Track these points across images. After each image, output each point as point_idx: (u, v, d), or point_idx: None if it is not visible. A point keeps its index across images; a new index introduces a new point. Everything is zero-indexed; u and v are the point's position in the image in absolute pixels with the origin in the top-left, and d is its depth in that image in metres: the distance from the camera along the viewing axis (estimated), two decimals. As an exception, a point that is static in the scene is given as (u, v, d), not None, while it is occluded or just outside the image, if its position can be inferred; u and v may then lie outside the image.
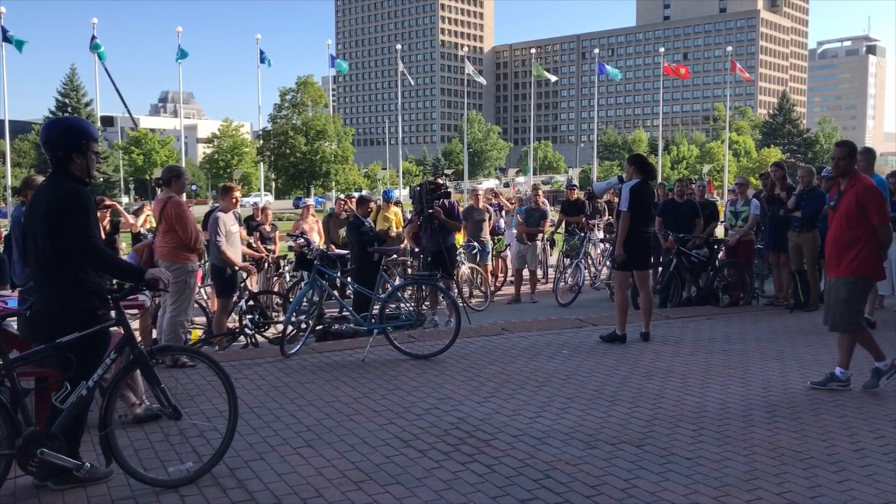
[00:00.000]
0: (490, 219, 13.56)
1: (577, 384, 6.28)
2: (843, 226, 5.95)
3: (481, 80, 62.93)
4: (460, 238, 12.92)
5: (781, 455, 4.59)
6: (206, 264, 9.46)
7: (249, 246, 11.48)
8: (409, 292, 9.95)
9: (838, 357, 6.08)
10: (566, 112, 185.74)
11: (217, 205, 9.20)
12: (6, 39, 35.56)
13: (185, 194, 7.55)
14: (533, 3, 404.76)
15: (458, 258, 11.63)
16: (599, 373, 6.66)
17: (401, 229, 12.96)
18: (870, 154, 8.83)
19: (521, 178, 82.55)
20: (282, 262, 13.08)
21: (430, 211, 9.81)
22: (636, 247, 7.99)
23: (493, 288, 13.50)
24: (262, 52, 47.08)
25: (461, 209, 11.85)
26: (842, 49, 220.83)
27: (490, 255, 13.52)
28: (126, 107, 46.09)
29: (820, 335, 8.25)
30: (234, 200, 8.55)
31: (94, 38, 38.80)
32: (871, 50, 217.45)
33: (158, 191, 7.58)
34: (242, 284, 9.23)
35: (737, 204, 10.96)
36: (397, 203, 15.39)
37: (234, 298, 9.02)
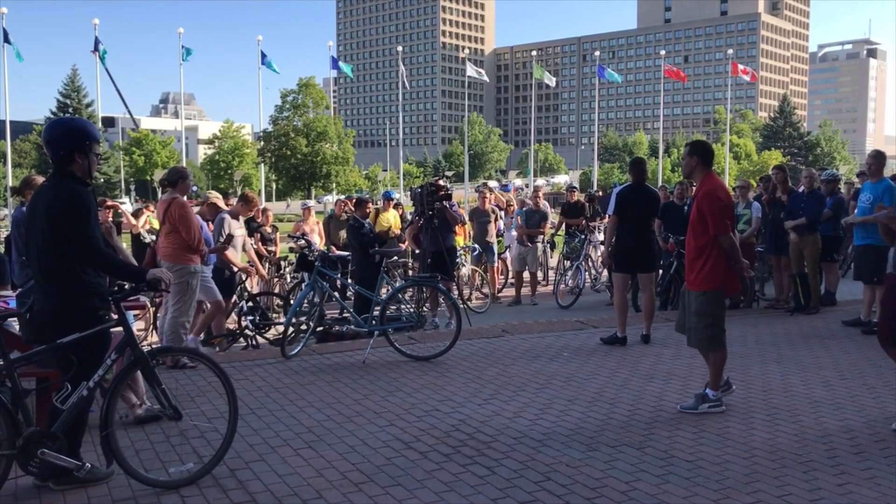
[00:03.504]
0: (496, 220, 13.57)
1: (578, 386, 6.28)
2: (690, 234, 5.67)
3: (485, 78, 62.68)
4: (461, 239, 12.93)
5: (781, 458, 4.59)
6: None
7: (258, 253, 11.43)
8: (410, 294, 9.94)
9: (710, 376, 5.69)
10: (567, 114, 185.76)
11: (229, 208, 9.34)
12: (7, 42, 35.58)
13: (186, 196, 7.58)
14: (534, 5, 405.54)
15: (458, 260, 11.62)
16: (600, 375, 6.66)
17: (398, 230, 12.97)
18: (879, 157, 8.78)
19: (518, 181, 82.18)
20: (283, 264, 13.08)
21: (438, 205, 9.79)
22: (634, 249, 7.98)
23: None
24: (264, 56, 47.05)
25: (462, 211, 11.85)
26: (842, 52, 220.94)
27: (496, 257, 13.53)
28: (127, 108, 46.31)
29: (821, 338, 8.26)
30: (248, 212, 9.08)
31: (97, 41, 38.84)
32: (872, 53, 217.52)
33: (159, 192, 7.62)
34: (241, 285, 9.23)
35: (738, 207, 10.95)
36: (397, 205, 15.40)
37: (233, 300, 9.03)
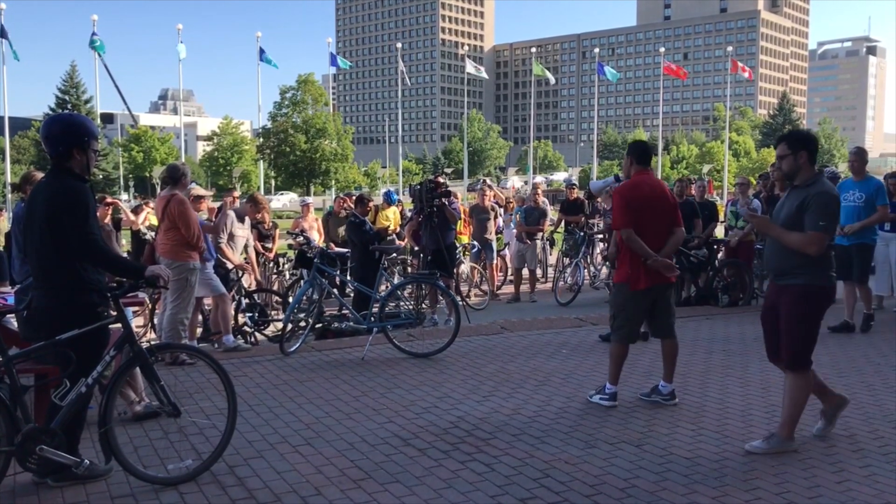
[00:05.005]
0: (495, 218, 13.56)
1: (577, 383, 6.28)
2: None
3: (483, 75, 62.54)
4: (464, 237, 12.93)
5: (780, 455, 4.59)
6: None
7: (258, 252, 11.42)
8: (409, 291, 9.94)
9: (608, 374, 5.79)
10: (566, 111, 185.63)
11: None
12: (4, 37, 35.47)
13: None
14: (533, 2, 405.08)
15: (458, 257, 11.62)
16: (599, 372, 6.65)
17: (397, 228, 12.96)
18: (862, 154, 8.75)
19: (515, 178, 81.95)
20: (281, 261, 13.07)
21: (437, 202, 9.78)
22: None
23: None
24: (263, 52, 46.97)
25: (463, 207, 11.84)
26: (842, 49, 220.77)
27: (495, 254, 13.53)
28: (126, 104, 46.20)
29: (819, 336, 8.24)
30: (256, 213, 9.19)
31: (94, 34, 38.74)
32: (872, 51, 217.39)
33: (158, 188, 7.62)
34: (238, 282, 9.22)
35: (737, 204, 10.96)
36: (398, 203, 15.38)
37: (231, 293, 9.02)
